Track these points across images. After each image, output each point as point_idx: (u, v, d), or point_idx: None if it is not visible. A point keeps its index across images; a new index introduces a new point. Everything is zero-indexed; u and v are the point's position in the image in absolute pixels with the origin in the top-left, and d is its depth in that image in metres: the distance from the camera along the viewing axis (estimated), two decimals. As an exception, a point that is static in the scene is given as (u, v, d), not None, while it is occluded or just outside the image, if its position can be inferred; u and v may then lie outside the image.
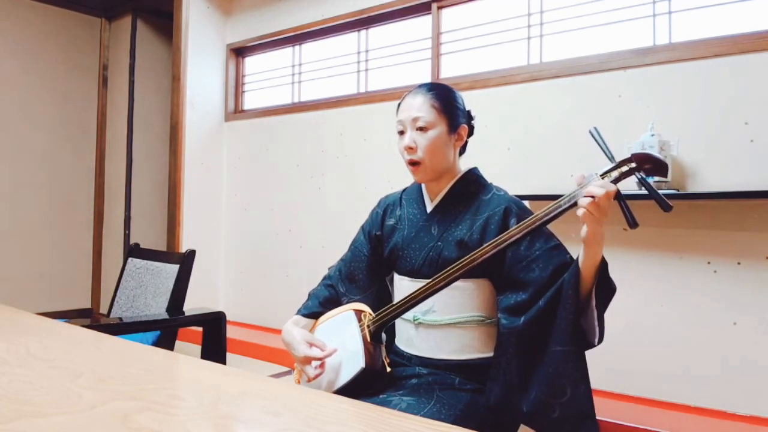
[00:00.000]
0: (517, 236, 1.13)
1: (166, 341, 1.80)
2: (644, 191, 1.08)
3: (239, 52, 3.93)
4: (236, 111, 3.93)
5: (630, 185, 1.81)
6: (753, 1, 2.07)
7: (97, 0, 4.29)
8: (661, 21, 2.25)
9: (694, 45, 2.14)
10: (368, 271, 1.44)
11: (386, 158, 2.96)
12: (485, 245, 1.17)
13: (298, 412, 0.66)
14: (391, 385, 1.28)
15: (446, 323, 1.27)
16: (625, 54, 2.28)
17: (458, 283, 1.23)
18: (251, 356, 3.13)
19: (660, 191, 1.10)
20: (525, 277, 1.20)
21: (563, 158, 2.40)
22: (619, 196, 1.07)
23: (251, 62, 3.94)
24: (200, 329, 1.75)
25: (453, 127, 1.31)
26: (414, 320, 1.30)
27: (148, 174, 4.29)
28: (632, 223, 1.05)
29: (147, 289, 1.92)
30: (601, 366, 2.15)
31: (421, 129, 1.28)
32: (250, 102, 3.93)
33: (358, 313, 1.32)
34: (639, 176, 1.09)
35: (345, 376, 1.26)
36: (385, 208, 1.46)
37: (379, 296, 1.44)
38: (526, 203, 1.37)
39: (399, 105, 1.35)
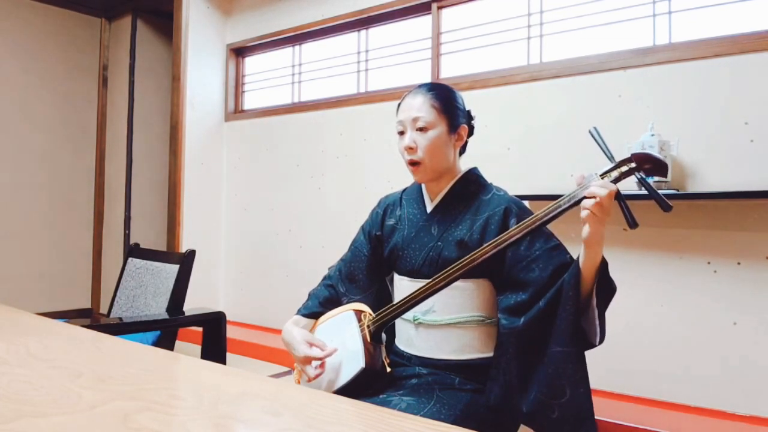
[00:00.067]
0: (517, 236, 1.13)
1: (166, 341, 1.80)
2: (644, 191, 1.08)
3: (239, 52, 3.93)
4: (236, 111, 3.93)
5: (630, 185, 1.81)
6: (753, 1, 2.07)
7: (97, 0, 4.29)
8: (661, 21, 2.25)
9: (694, 45, 2.14)
10: (368, 271, 1.44)
11: (386, 158, 2.96)
12: (485, 245, 1.17)
13: (298, 412, 0.66)
14: (391, 385, 1.28)
15: (446, 323, 1.27)
16: (625, 54, 2.28)
17: (458, 283, 1.23)
18: (251, 356, 3.13)
19: (660, 191, 1.10)
20: (525, 277, 1.20)
21: (563, 158, 2.40)
22: (619, 196, 1.07)
23: (251, 62, 3.94)
24: (200, 329, 1.75)
25: (453, 127, 1.31)
26: (414, 320, 1.30)
27: (148, 174, 4.29)
28: (632, 224, 1.05)
29: (147, 289, 1.92)
30: (601, 366, 2.15)
31: (421, 129, 1.28)
32: (250, 102, 3.93)
33: (358, 313, 1.32)
34: (639, 176, 1.09)
35: (345, 376, 1.26)
36: (385, 208, 1.46)
37: (379, 296, 1.44)
38: (526, 203, 1.37)
39: (399, 105, 1.35)
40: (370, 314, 1.30)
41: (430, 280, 1.21)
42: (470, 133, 1.38)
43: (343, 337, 1.31)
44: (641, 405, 2.12)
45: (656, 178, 1.99)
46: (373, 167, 3.07)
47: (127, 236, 4.19)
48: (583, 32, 2.46)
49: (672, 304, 2.13)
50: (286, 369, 2.86)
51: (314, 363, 1.28)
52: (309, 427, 0.61)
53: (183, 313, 1.76)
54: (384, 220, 1.44)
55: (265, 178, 3.65)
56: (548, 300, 1.14)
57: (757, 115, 1.99)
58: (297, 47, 3.64)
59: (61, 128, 4.19)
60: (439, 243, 1.30)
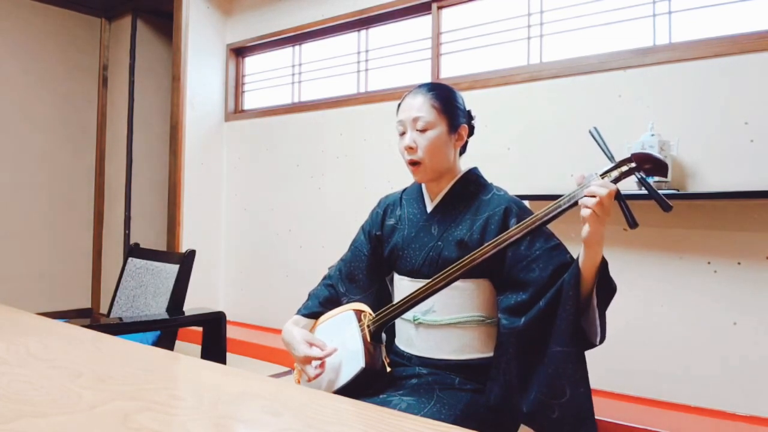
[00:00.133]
0: (517, 236, 1.14)
1: (166, 341, 1.80)
2: (644, 191, 1.08)
3: (239, 52, 3.93)
4: (236, 111, 3.93)
5: (630, 185, 1.81)
6: (753, 1, 2.07)
7: (97, 0, 4.29)
8: (661, 21, 2.25)
9: (694, 45, 2.14)
10: (368, 271, 1.44)
11: (386, 158, 2.96)
12: (485, 245, 1.17)
13: (298, 412, 0.66)
14: (391, 385, 1.28)
15: (446, 323, 1.27)
16: (625, 54, 2.28)
17: (458, 283, 1.23)
18: (251, 356, 3.13)
19: (660, 191, 1.10)
20: (525, 277, 1.20)
21: (563, 158, 2.40)
22: (619, 196, 1.07)
23: (251, 62, 3.94)
24: (200, 329, 1.75)
25: (453, 127, 1.31)
26: (414, 320, 1.30)
27: (148, 174, 4.29)
28: (632, 223, 1.05)
29: (147, 289, 1.92)
30: (601, 366, 2.15)
31: (421, 129, 1.29)
32: (250, 102, 3.93)
33: (358, 313, 1.32)
34: (639, 176, 1.09)
35: (345, 376, 1.26)
36: (386, 208, 1.46)
37: (379, 296, 1.44)
38: (526, 203, 1.37)
39: (399, 105, 1.35)
40: (370, 314, 1.30)
41: (430, 280, 1.21)
42: (470, 132, 1.38)
43: (343, 337, 1.31)
44: (641, 405, 2.12)
45: (656, 178, 1.99)
46: (373, 167, 3.07)
47: (127, 236, 4.19)
48: (583, 32, 2.46)
49: (672, 304, 2.13)
50: (286, 369, 2.86)
51: (314, 363, 1.28)
52: (309, 427, 0.61)
53: (183, 313, 1.76)
54: (384, 220, 1.44)
55: (265, 178, 3.65)
56: (548, 300, 1.14)
57: (757, 115, 1.99)
58: (297, 47, 3.64)
59: (61, 128, 4.19)
60: (439, 243, 1.30)
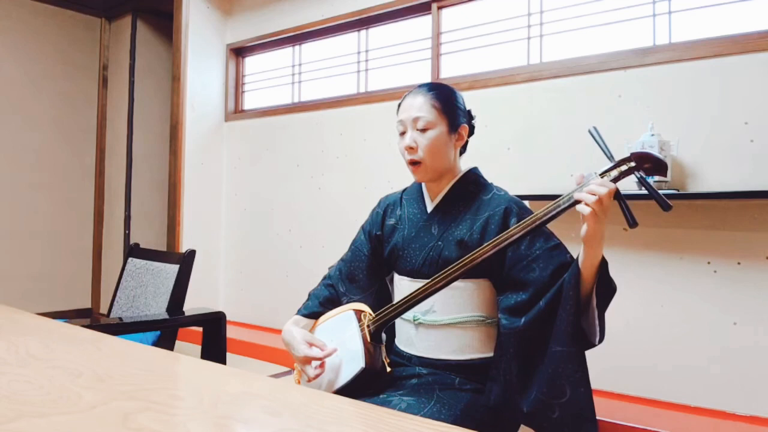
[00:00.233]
0: (517, 236, 1.13)
1: (166, 341, 1.80)
2: (644, 191, 1.08)
3: (239, 52, 3.93)
4: (236, 111, 3.93)
5: (630, 185, 1.81)
6: (753, 1, 2.07)
7: (97, 0, 4.29)
8: (661, 21, 2.25)
9: (694, 45, 2.14)
10: (368, 271, 1.44)
11: (386, 158, 2.96)
12: (485, 245, 1.17)
13: (298, 412, 0.66)
14: (391, 385, 1.28)
15: (446, 323, 1.27)
16: (625, 54, 2.28)
17: (458, 283, 1.23)
18: (251, 356, 3.13)
19: (660, 191, 1.10)
20: (525, 277, 1.20)
21: (563, 158, 2.40)
22: (618, 196, 1.07)
23: (251, 62, 3.94)
24: (200, 329, 1.75)
25: (453, 127, 1.31)
26: (414, 320, 1.30)
27: (148, 174, 4.29)
28: (632, 223, 1.05)
29: (147, 289, 1.92)
30: (601, 366, 2.15)
31: (421, 129, 1.29)
32: (250, 102, 3.93)
33: (358, 313, 1.32)
34: (638, 175, 1.09)
35: (345, 376, 1.26)
36: (386, 207, 1.46)
37: (379, 296, 1.44)
38: (526, 203, 1.37)
39: (399, 105, 1.35)
40: (370, 314, 1.30)
41: (429, 279, 1.21)
42: (471, 132, 1.38)
43: (343, 337, 1.31)
44: (641, 405, 2.12)
45: (656, 178, 1.99)
46: (373, 167, 3.07)
47: (127, 236, 4.19)
48: (583, 32, 2.46)
49: (672, 304, 2.13)
50: (286, 369, 2.86)
51: (314, 363, 1.28)
52: (309, 427, 0.61)
53: (183, 313, 1.76)
54: (384, 219, 1.44)
55: (265, 178, 3.65)
56: (548, 300, 1.14)
57: (757, 115, 1.99)
58: (297, 47, 3.64)
59: (61, 128, 4.19)
60: (440, 243, 1.30)
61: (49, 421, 0.60)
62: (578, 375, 1.09)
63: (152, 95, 4.32)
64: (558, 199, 1.10)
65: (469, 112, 1.38)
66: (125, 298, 1.99)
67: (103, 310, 4.24)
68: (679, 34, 2.21)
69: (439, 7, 2.90)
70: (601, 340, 1.14)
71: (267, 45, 3.75)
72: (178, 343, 1.88)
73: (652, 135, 2.05)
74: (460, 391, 1.23)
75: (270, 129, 3.63)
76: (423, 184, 1.40)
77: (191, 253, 1.87)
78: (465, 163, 1.39)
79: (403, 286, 1.35)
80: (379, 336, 1.30)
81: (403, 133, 1.32)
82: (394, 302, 1.27)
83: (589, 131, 1.13)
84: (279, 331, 1.45)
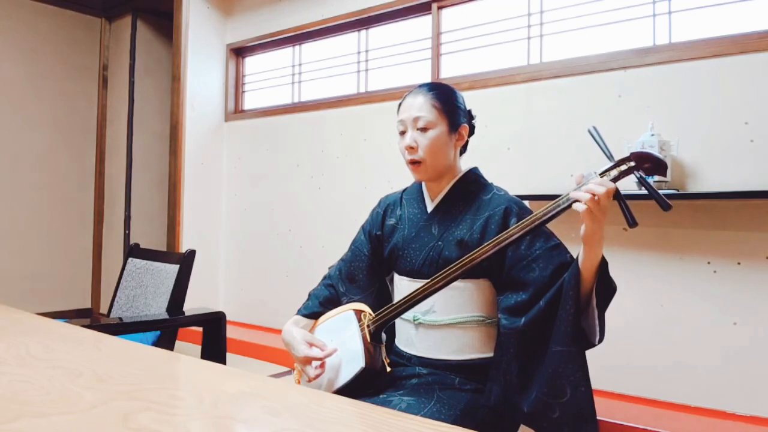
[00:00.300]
0: (517, 235, 1.13)
1: (166, 341, 1.80)
2: (644, 191, 1.08)
3: (239, 52, 3.93)
4: (236, 111, 3.93)
5: (630, 185, 1.81)
6: (753, 1, 2.07)
7: (97, 0, 4.29)
8: (661, 21, 2.25)
9: (694, 45, 2.14)
10: (368, 271, 1.44)
11: (386, 158, 2.96)
12: (485, 244, 1.17)
13: (298, 412, 0.66)
14: (391, 385, 1.28)
15: (446, 323, 1.27)
16: (625, 54, 2.28)
17: (458, 283, 1.23)
18: (251, 356, 3.13)
19: (660, 191, 1.10)
20: (525, 277, 1.20)
21: (563, 158, 2.40)
22: (618, 195, 1.07)
23: (251, 62, 3.94)
24: (200, 329, 1.75)
25: (454, 127, 1.31)
26: (414, 320, 1.30)
27: (148, 174, 4.29)
28: (631, 222, 1.05)
29: (147, 289, 1.92)
30: (601, 366, 2.15)
31: (422, 129, 1.29)
32: (250, 102, 3.93)
33: (358, 313, 1.32)
34: (638, 175, 1.09)
35: (345, 376, 1.26)
36: (386, 207, 1.46)
37: (379, 296, 1.44)
38: (526, 203, 1.37)
39: (400, 105, 1.35)
40: (370, 314, 1.30)
41: (429, 279, 1.21)
42: (471, 132, 1.38)
43: (343, 337, 1.31)
44: (641, 405, 2.12)
45: (656, 178, 1.99)
46: (373, 167, 3.07)
47: (127, 236, 4.19)
48: (583, 32, 2.46)
49: (672, 304, 2.13)
50: (286, 369, 2.86)
51: (314, 363, 1.28)
52: (309, 427, 0.61)
53: (183, 313, 1.76)
54: (384, 219, 1.44)
55: (265, 178, 3.65)
56: (548, 300, 1.14)
57: (757, 115, 1.99)
58: (297, 47, 3.64)
59: (61, 128, 4.19)
60: (440, 243, 1.30)
61: (49, 421, 0.60)
62: (578, 375, 1.09)
63: (152, 95, 4.32)
64: (558, 198, 1.10)
65: (469, 111, 1.38)
66: (125, 298, 1.99)
67: (103, 310, 4.24)
68: (679, 34, 2.21)
69: (439, 7, 2.90)
70: (601, 340, 1.14)
71: (267, 45, 3.75)
72: (178, 343, 1.88)
73: (652, 135, 2.05)
74: (460, 391, 1.23)
75: (270, 129, 3.63)
76: (423, 184, 1.40)
77: (191, 253, 1.87)
78: (465, 163, 1.39)
79: (403, 286, 1.35)
80: (379, 336, 1.30)
81: (403, 133, 1.32)
82: (394, 302, 1.27)
83: (589, 131, 1.13)
84: (279, 331, 1.45)
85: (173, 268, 1.86)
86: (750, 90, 2.00)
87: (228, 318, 2.80)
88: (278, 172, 3.57)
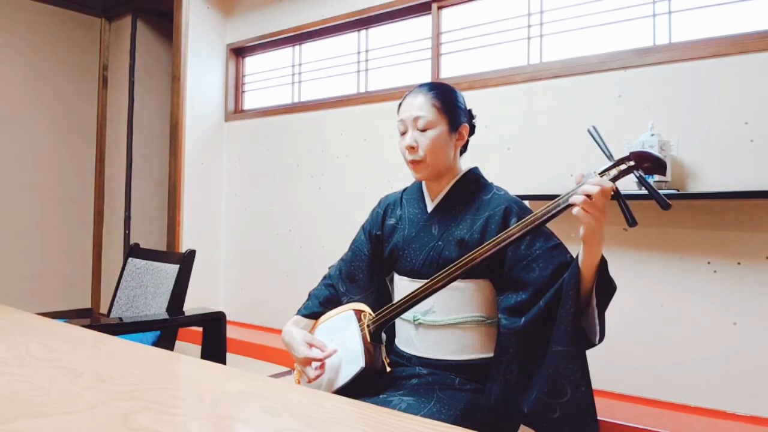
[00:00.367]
0: (516, 235, 1.13)
1: (166, 341, 1.80)
2: (644, 191, 1.08)
3: (239, 52, 3.93)
4: (236, 111, 3.93)
5: (630, 185, 1.81)
6: (753, 1, 2.07)
7: (97, 0, 4.29)
8: (661, 21, 2.25)
9: (694, 45, 2.14)
10: (368, 270, 1.44)
11: (386, 158, 2.96)
12: (485, 244, 1.17)
13: (298, 412, 0.66)
14: (391, 385, 1.28)
15: (446, 324, 1.27)
16: (625, 54, 2.28)
17: (458, 284, 1.23)
18: (251, 356, 3.13)
19: (660, 191, 1.10)
20: (525, 277, 1.20)
21: (563, 158, 2.40)
22: (617, 195, 1.06)
23: (251, 62, 3.94)
24: (200, 329, 1.75)
25: (454, 127, 1.31)
26: (414, 320, 1.30)
27: (148, 174, 4.29)
28: (631, 222, 1.04)
29: (147, 289, 1.92)
30: (601, 366, 2.15)
31: (422, 128, 1.29)
32: (250, 102, 3.93)
33: (358, 313, 1.32)
34: (637, 174, 1.09)
35: (345, 376, 1.26)
36: (386, 207, 1.46)
37: (379, 296, 1.44)
38: (526, 203, 1.37)
39: (400, 105, 1.35)
40: (370, 314, 1.30)
41: (429, 279, 1.21)
42: (471, 132, 1.38)
43: (343, 337, 1.31)
44: (641, 405, 2.12)
45: (656, 178, 1.99)
46: (373, 167, 3.07)
47: (127, 236, 4.19)
48: (583, 32, 2.46)
49: (672, 304, 2.13)
50: (286, 369, 2.86)
51: (314, 364, 1.28)
52: (309, 427, 0.61)
53: (183, 313, 1.76)
54: (384, 219, 1.44)
55: (265, 178, 3.65)
56: (548, 299, 1.14)
57: (757, 115, 1.99)
58: (297, 47, 3.64)
59: (61, 128, 4.19)
60: (440, 243, 1.30)
61: (49, 421, 0.60)
62: (579, 375, 1.09)
63: (152, 95, 4.32)
64: (557, 198, 1.10)
65: (469, 111, 1.38)
66: (125, 298, 1.99)
67: (103, 310, 4.24)
68: (679, 34, 2.21)
69: (439, 7, 2.90)
70: (601, 340, 1.14)
71: (267, 45, 3.75)
72: (178, 343, 1.88)
73: (652, 135, 2.05)
74: (461, 392, 1.23)
75: (270, 129, 3.63)
76: (423, 184, 1.40)
77: (191, 253, 1.87)
78: (465, 163, 1.39)
79: (402, 287, 1.35)
80: (379, 336, 1.30)
81: (403, 133, 1.32)
82: (394, 302, 1.27)
83: (589, 131, 1.13)
84: (279, 331, 1.45)
85: (173, 268, 1.86)
86: (750, 90, 2.00)
87: (228, 318, 2.80)
88: (278, 172, 3.57)
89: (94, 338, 1.00)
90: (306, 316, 1.43)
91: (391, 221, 1.43)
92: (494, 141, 2.58)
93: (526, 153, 2.52)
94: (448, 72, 2.87)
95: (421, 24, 3.01)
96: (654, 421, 1.94)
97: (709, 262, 2.07)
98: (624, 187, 1.10)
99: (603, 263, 1.10)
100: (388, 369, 1.28)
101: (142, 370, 0.82)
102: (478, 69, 2.76)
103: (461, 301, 1.27)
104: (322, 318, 1.41)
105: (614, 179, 1.07)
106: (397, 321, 1.36)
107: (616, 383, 2.22)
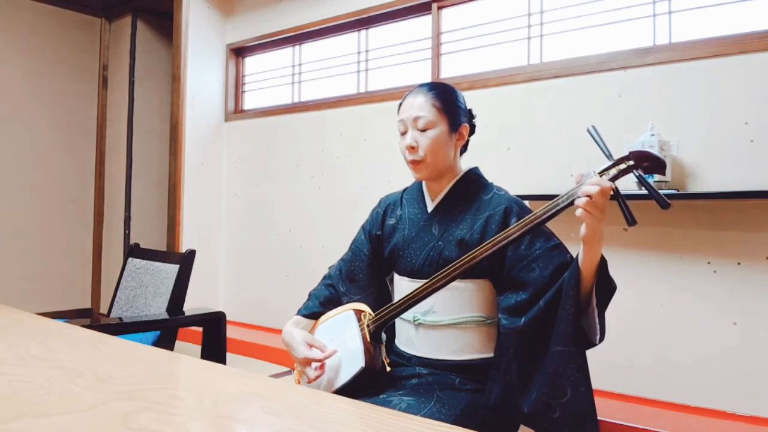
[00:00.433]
0: (516, 234, 1.13)
1: (166, 341, 1.80)
2: (644, 191, 1.08)
3: (239, 52, 3.93)
4: (236, 111, 3.93)
5: (630, 185, 1.81)
6: (753, 1, 2.07)
7: (97, 0, 4.29)
8: (661, 21, 2.25)
9: (694, 45, 2.14)
10: (369, 270, 1.44)
11: (386, 158, 2.96)
12: (484, 244, 1.17)
13: (298, 412, 0.66)
14: (391, 385, 1.28)
15: (446, 324, 1.27)
16: (625, 54, 2.28)
17: (458, 284, 1.23)
18: (251, 356, 3.13)
19: (660, 191, 1.10)
20: (525, 277, 1.20)
21: (563, 158, 2.40)
22: (617, 194, 1.06)
23: (251, 62, 3.94)
24: (200, 329, 1.75)
25: (454, 126, 1.31)
26: (414, 321, 1.30)
27: (148, 174, 4.29)
28: (630, 221, 1.04)
29: (147, 289, 1.92)
30: (601, 366, 2.15)
31: (422, 128, 1.29)
32: (250, 102, 3.93)
33: (358, 312, 1.32)
34: (637, 174, 1.09)
35: (345, 376, 1.26)
36: (386, 207, 1.46)
37: (379, 296, 1.44)
38: (526, 203, 1.37)
39: (400, 105, 1.35)
40: (370, 314, 1.30)
41: (429, 279, 1.21)
42: (471, 131, 1.38)
43: (343, 336, 1.31)
44: (641, 405, 2.12)
45: (656, 178, 1.99)
46: (373, 167, 3.07)
47: (127, 236, 4.19)
48: (583, 32, 2.46)
49: (672, 304, 2.13)
50: (286, 369, 2.86)
51: (314, 365, 1.28)
52: (309, 427, 0.61)
53: (183, 313, 1.76)
54: (384, 219, 1.44)
55: (265, 178, 3.65)
56: (548, 299, 1.14)
57: (757, 115, 1.99)
58: (297, 47, 3.64)
59: (61, 128, 4.19)
60: (440, 243, 1.30)
61: (49, 421, 0.60)
62: (579, 375, 1.09)
63: (152, 95, 4.32)
64: (556, 198, 1.10)
65: (469, 111, 1.38)
66: (125, 298, 1.99)
67: (103, 310, 4.24)
68: (679, 34, 2.21)
69: (439, 7, 2.90)
70: (601, 340, 1.14)
71: (267, 45, 3.75)
72: (178, 343, 1.88)
73: (652, 135, 2.05)
74: (461, 392, 1.23)
75: (270, 129, 3.63)
76: (423, 184, 1.40)
77: (191, 253, 1.87)
78: (465, 163, 1.39)
79: (402, 287, 1.35)
80: (379, 336, 1.30)
81: (404, 133, 1.32)
82: (394, 302, 1.27)
83: (588, 130, 1.13)
84: (279, 331, 1.45)
85: (173, 268, 1.86)
86: (750, 90, 2.00)
87: (228, 318, 2.80)
88: (278, 172, 3.57)
89: (94, 338, 1.00)
90: (306, 316, 1.43)
91: (391, 221, 1.43)
92: (494, 141, 2.58)
93: (526, 153, 2.52)
94: (448, 72, 2.87)
95: (421, 24, 3.01)
96: (654, 421, 1.94)
97: (709, 262, 2.07)
98: (624, 187, 1.10)
99: (603, 263, 1.10)
100: (388, 369, 1.28)
101: (142, 370, 0.82)
102: (478, 69, 2.76)
103: (461, 301, 1.27)
104: (322, 318, 1.41)
105: (613, 179, 1.07)
106: (397, 321, 1.36)
107: (616, 383, 2.22)
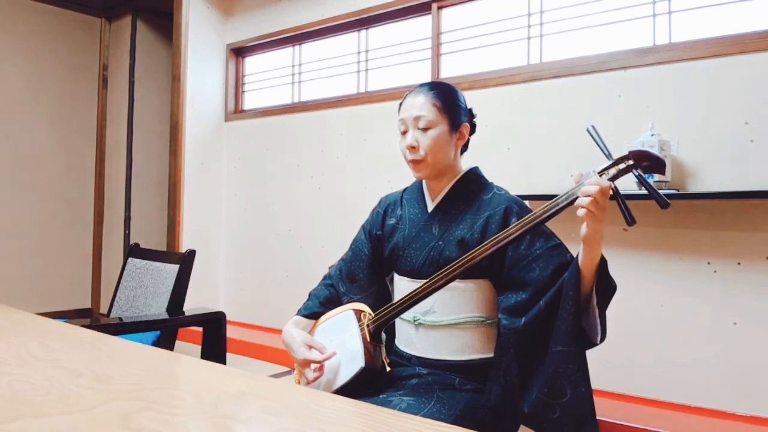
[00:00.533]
0: (516, 234, 1.13)
1: (166, 341, 1.80)
2: (643, 191, 1.08)
3: (239, 52, 3.93)
4: (236, 111, 3.93)
5: (629, 185, 1.81)
6: (753, 1, 2.07)
7: (97, 0, 4.29)
8: (661, 21, 2.25)
9: (694, 45, 2.14)
10: (369, 270, 1.44)
11: (386, 158, 2.96)
12: (484, 243, 1.17)
13: (298, 412, 0.66)
14: (391, 385, 1.28)
15: (446, 324, 1.27)
16: (625, 54, 2.28)
17: (458, 284, 1.23)
18: (251, 356, 3.13)
19: (660, 191, 1.10)
20: (525, 277, 1.20)
21: (563, 158, 2.40)
22: (616, 194, 1.06)
23: (251, 62, 3.94)
24: (200, 329, 1.75)
25: (455, 126, 1.31)
26: (414, 321, 1.30)
27: (148, 174, 4.29)
28: (630, 221, 1.04)
29: (147, 289, 1.92)
30: (601, 366, 2.15)
31: (423, 128, 1.29)
32: (250, 102, 3.93)
33: (358, 312, 1.32)
34: (636, 173, 1.09)
35: (345, 376, 1.26)
36: (386, 207, 1.46)
37: (379, 296, 1.44)
38: (526, 203, 1.37)
39: (400, 104, 1.35)
40: (370, 314, 1.30)
41: (429, 279, 1.21)
42: (472, 131, 1.38)
43: (342, 336, 1.31)
44: (641, 405, 2.12)
45: (656, 178, 1.99)
46: (373, 167, 3.07)
47: (127, 236, 4.19)
48: (583, 32, 2.46)
49: (672, 304, 2.13)
50: (286, 369, 2.86)
51: (313, 366, 1.28)
52: (309, 427, 0.61)
53: (183, 313, 1.76)
54: (385, 219, 1.44)
55: (265, 178, 3.65)
56: (548, 299, 1.14)
57: (757, 115, 1.99)
58: (297, 47, 3.64)
59: (61, 128, 4.19)
60: (440, 242, 1.30)
61: (49, 421, 0.60)
62: (579, 375, 1.09)
63: (152, 95, 4.32)
64: (556, 197, 1.10)
65: (470, 110, 1.38)
66: (125, 298, 1.99)
67: (103, 310, 4.24)
68: (679, 34, 2.21)
69: (439, 7, 2.90)
70: (602, 339, 1.14)
71: (267, 45, 3.75)
72: (178, 343, 1.88)
73: (652, 135, 2.05)
74: (461, 392, 1.23)
75: (270, 129, 3.63)
76: (424, 184, 1.40)
77: (191, 253, 1.87)
78: (465, 163, 1.39)
79: (403, 286, 1.35)
80: (379, 336, 1.30)
81: (404, 133, 1.32)
82: (394, 302, 1.27)
83: (588, 130, 1.13)
84: (279, 331, 1.45)
85: (173, 268, 1.86)
86: (750, 90, 2.00)
87: (228, 318, 2.80)
88: (278, 172, 3.57)
89: (94, 338, 1.00)
90: (306, 316, 1.43)
91: (391, 221, 1.43)
92: (494, 141, 2.58)
93: (526, 153, 2.52)
94: (448, 72, 2.87)
95: (421, 24, 3.01)
96: (654, 421, 1.94)
97: (709, 263, 2.07)
98: (623, 186, 1.10)
99: (603, 263, 1.10)
100: (388, 369, 1.28)
101: (142, 370, 0.82)
102: (478, 69, 2.76)
103: (461, 301, 1.27)
104: (322, 318, 1.41)
105: (613, 178, 1.07)
106: (397, 321, 1.36)
107: (616, 383, 2.22)
